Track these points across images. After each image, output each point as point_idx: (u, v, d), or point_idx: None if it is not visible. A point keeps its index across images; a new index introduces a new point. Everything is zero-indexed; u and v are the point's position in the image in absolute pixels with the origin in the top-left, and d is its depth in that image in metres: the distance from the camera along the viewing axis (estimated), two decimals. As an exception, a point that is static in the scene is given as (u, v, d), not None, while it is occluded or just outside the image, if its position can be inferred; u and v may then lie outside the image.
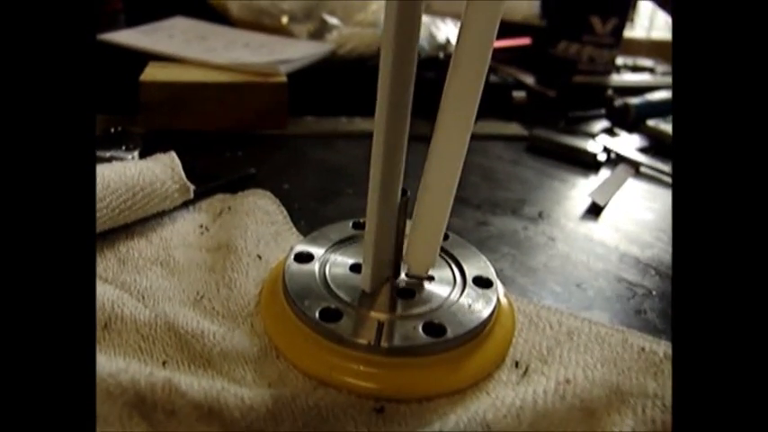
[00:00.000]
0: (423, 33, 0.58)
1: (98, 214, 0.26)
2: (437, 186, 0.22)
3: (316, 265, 0.24)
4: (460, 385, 0.21)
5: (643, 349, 0.25)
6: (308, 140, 0.45)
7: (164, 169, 0.30)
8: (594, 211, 0.38)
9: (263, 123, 0.44)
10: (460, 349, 0.22)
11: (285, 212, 0.31)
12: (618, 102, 0.57)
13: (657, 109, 0.57)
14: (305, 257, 0.24)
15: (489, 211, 0.37)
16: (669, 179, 0.44)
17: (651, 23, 1.00)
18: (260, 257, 0.26)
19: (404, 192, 0.24)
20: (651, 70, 0.79)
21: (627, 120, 0.56)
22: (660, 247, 0.35)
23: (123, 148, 0.36)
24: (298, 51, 0.51)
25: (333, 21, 0.58)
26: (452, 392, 0.21)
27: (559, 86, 0.64)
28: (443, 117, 0.21)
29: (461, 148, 0.22)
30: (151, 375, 0.18)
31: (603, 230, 0.36)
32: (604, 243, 0.34)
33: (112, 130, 0.39)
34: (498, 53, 0.67)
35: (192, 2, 0.65)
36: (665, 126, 0.53)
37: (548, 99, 0.63)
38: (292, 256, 0.24)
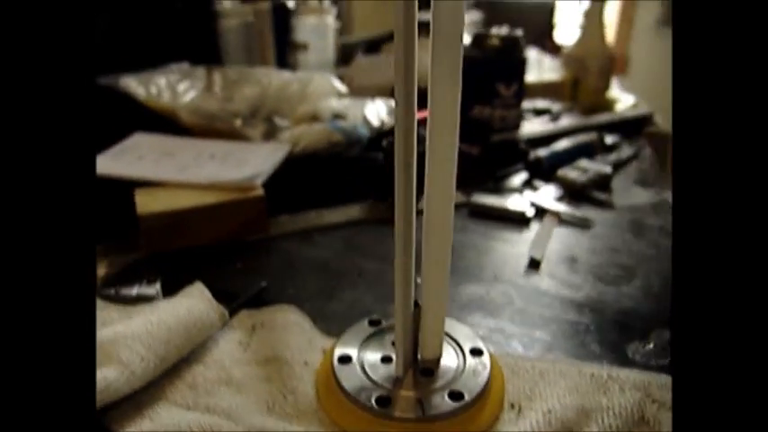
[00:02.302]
0: (358, 119, 0.68)
1: (168, 354, 0.32)
2: (435, 287, 0.31)
3: (356, 366, 0.32)
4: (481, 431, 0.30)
5: (593, 375, 0.35)
6: (288, 239, 0.52)
7: (201, 301, 0.36)
8: (534, 264, 0.49)
9: (247, 231, 0.51)
10: (476, 406, 0.30)
11: (310, 321, 0.38)
12: (531, 156, 0.69)
13: (562, 157, 0.69)
14: (345, 359, 0.32)
15: (454, 282, 0.46)
16: (584, 223, 0.56)
17: (540, 67, 1.16)
18: (306, 363, 0.34)
19: (416, 304, 0.32)
20: (549, 111, 0.93)
21: (540, 170, 0.68)
22: (588, 287, 0.45)
23: (145, 281, 0.42)
24: (264, 158, 0.58)
25: (282, 123, 0.66)
26: (477, 438, 0.30)
27: (481, 145, 0.75)
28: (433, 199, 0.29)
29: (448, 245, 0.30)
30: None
31: (545, 281, 0.46)
32: (548, 293, 0.44)
33: (124, 264, 0.45)
34: (423, 121, 0.77)
35: (142, 113, 0.71)
36: (572, 173, 0.65)
37: (474, 156, 0.74)
38: (336, 360, 0.32)
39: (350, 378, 0.31)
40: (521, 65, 0.75)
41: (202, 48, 0.92)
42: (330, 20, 0.96)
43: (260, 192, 0.51)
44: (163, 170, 0.56)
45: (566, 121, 0.88)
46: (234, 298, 0.42)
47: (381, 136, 0.69)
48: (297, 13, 0.92)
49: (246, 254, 0.49)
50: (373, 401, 0.29)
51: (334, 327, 0.39)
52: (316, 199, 0.59)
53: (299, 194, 0.59)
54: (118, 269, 0.45)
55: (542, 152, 0.70)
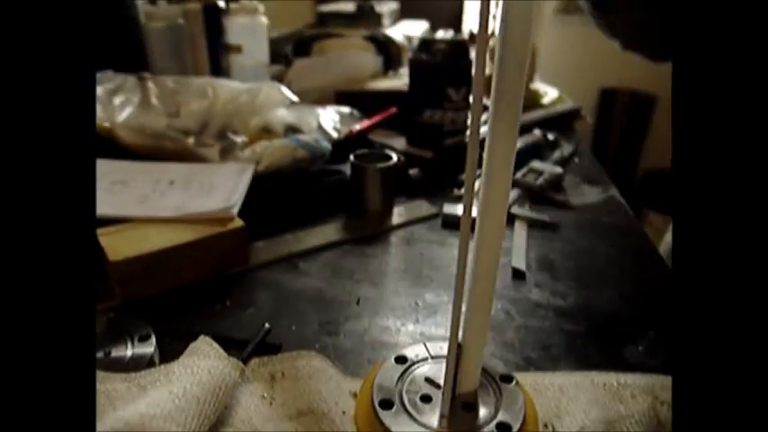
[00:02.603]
0: (313, 130, 0.66)
1: (202, 428, 0.30)
2: (479, 320, 0.32)
3: (400, 409, 0.32)
4: (529, 461, 0.31)
5: (605, 384, 0.38)
6: (272, 269, 0.50)
7: (217, 359, 0.34)
8: (519, 275, 0.51)
9: (228, 264, 0.49)
10: (520, 435, 0.31)
11: (331, 365, 0.37)
12: (486, 160, 0.71)
13: (516, 159, 0.72)
14: (387, 404, 0.32)
15: (449, 301, 0.47)
16: (552, 227, 0.59)
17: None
18: (344, 413, 0.33)
19: (459, 346, 0.32)
20: (484, 107, 0.96)
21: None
22: (573, 294, 0.48)
23: (137, 338, 0.39)
24: (231, 182, 0.55)
25: (236, 138, 0.63)
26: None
27: (434, 149, 0.76)
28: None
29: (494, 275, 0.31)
30: None
31: (534, 292, 0.48)
32: (541, 304, 0.47)
33: (105, 319, 0.41)
34: (371, 127, 0.77)
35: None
36: (530, 176, 0.68)
37: (428, 160, 0.75)
38: (378, 405, 0.32)
39: (398, 423, 0.31)
40: (467, 68, 0.77)
41: (124, 54, 0.85)
42: (263, 19, 0.92)
43: (239, 222, 0.49)
44: (121, 204, 0.52)
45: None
46: (236, 343, 0.40)
47: (342, 147, 0.68)
48: (228, 14, 0.87)
49: (232, 289, 0.47)
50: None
51: (350, 365, 0.39)
52: (287, 219, 0.58)
53: (268, 216, 0.57)
54: (99, 327, 0.41)
55: (496, 155, 0.72)
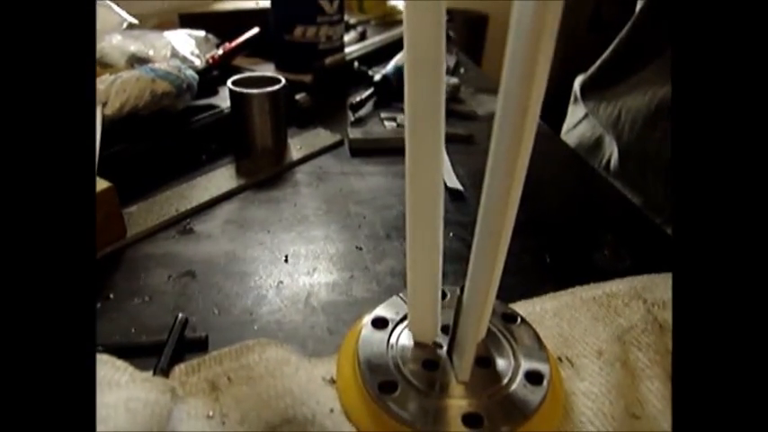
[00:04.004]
0: (165, 57, 0.53)
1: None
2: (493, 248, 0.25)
3: (408, 391, 0.24)
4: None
5: (593, 298, 0.34)
6: (162, 238, 0.38)
7: (139, 388, 0.23)
8: (457, 196, 0.45)
9: (101, 242, 0.36)
10: (552, 378, 0.26)
11: (292, 350, 0.28)
12: (376, 77, 0.63)
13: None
14: (389, 386, 0.24)
15: (399, 238, 0.39)
16: (468, 139, 0.53)
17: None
18: (332, 410, 0.24)
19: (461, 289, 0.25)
20: (349, 25, 0.87)
21: (390, 90, 0.62)
22: (520, 208, 0.43)
23: None
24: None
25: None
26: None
27: (311, 71, 0.66)
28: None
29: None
30: None
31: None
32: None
33: None
34: (235, 51, 0.64)
35: None
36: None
37: (308, 85, 0.65)
38: (377, 388, 0.24)
39: (413, 410, 0.23)
40: (339, -28, 0.66)
41: None
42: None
43: (104, 183, 0.36)
44: None
45: (377, 36, 0.82)
46: (143, 349, 0.29)
47: (204, 78, 0.55)
48: None
49: (113, 275, 0.35)
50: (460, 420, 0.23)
51: (307, 343, 0.30)
52: (160, 173, 0.45)
53: (135, 172, 0.44)
54: None
55: (386, 70, 0.64)
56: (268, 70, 0.68)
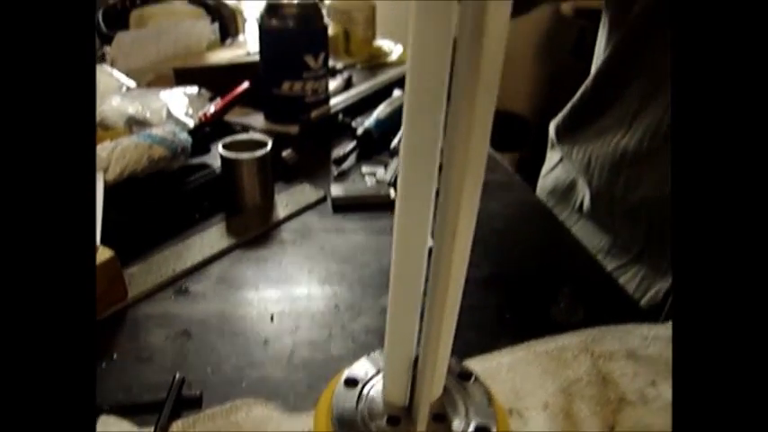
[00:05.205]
0: (163, 120, 0.57)
1: None
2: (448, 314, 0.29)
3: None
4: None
5: (546, 352, 0.38)
6: (158, 300, 0.42)
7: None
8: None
9: (102, 306, 0.40)
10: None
11: (275, 407, 0.32)
12: (359, 130, 0.68)
13: (388, 125, 0.69)
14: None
15: (373, 294, 0.44)
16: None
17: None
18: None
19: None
20: (335, 69, 0.92)
21: (372, 143, 0.67)
22: (486, 263, 0.48)
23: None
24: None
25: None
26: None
27: (298, 123, 0.71)
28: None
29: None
30: None
31: (449, 266, 0.47)
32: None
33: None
34: (226, 108, 0.69)
35: None
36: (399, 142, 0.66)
37: (294, 137, 0.70)
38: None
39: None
40: (323, 32, 0.71)
41: None
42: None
43: (108, 253, 0.40)
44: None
45: (360, 83, 0.87)
46: (144, 407, 0.33)
47: (198, 135, 0.59)
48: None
49: (115, 336, 0.39)
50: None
51: (289, 398, 0.34)
52: (157, 232, 0.49)
53: (134, 232, 0.48)
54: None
55: (368, 123, 0.69)
56: (258, 120, 0.73)
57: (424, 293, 0.27)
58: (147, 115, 0.58)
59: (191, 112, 0.61)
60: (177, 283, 0.44)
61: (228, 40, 0.95)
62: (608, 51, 0.58)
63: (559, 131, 0.67)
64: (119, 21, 0.95)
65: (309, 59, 0.70)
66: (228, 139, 0.53)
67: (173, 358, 0.37)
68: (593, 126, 0.60)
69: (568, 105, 0.65)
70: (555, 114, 0.67)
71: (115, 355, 0.37)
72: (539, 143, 0.85)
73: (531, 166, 0.80)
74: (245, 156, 0.51)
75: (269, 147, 0.53)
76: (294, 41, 0.69)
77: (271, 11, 0.68)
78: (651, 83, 0.52)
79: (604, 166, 0.58)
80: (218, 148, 0.52)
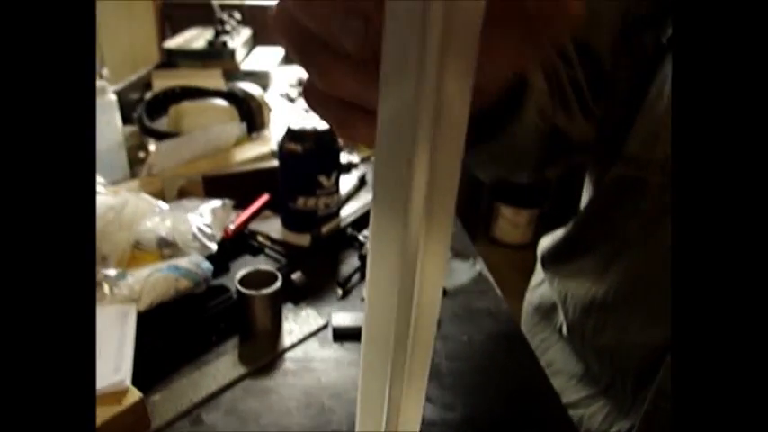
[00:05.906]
0: (188, 241, 0.65)
1: None
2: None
3: None
4: None
5: None
6: (174, 429, 0.50)
7: None
8: (414, 392, 0.56)
9: (127, 437, 0.47)
10: None
11: None
12: (364, 250, 0.75)
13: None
14: None
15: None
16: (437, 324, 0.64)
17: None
18: None
19: None
20: (351, 165, 1.00)
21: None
22: (460, 403, 0.54)
23: None
24: (116, 337, 0.52)
25: (111, 272, 0.60)
26: None
27: (310, 233, 0.79)
28: None
29: None
30: None
31: (428, 409, 0.54)
32: (435, 422, 0.52)
33: None
34: (247, 222, 0.77)
35: None
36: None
37: (305, 249, 0.77)
38: None
39: None
40: (337, 154, 0.80)
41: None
42: (112, 97, 0.85)
43: (136, 395, 0.47)
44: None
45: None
46: None
47: (221, 247, 0.67)
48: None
49: (136, 470, 0.46)
50: None
51: None
52: (177, 354, 0.57)
53: (156, 356, 0.55)
54: None
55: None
56: (275, 226, 0.81)
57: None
58: (176, 238, 0.66)
59: (213, 232, 0.69)
60: (193, 414, 0.51)
61: (254, 134, 1.04)
62: (585, 206, 0.64)
63: (544, 258, 0.73)
64: (160, 110, 1.05)
65: (323, 179, 0.78)
66: (244, 272, 0.61)
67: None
68: (572, 264, 0.67)
69: (557, 234, 0.71)
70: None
71: (136, 493, 0.44)
72: (559, 200, 0.88)
73: (550, 222, 0.82)
74: (258, 292, 0.59)
75: (279, 282, 0.60)
76: (310, 163, 0.77)
77: (290, 135, 0.76)
78: (613, 248, 0.58)
79: (577, 305, 0.64)
80: (235, 281, 0.60)
